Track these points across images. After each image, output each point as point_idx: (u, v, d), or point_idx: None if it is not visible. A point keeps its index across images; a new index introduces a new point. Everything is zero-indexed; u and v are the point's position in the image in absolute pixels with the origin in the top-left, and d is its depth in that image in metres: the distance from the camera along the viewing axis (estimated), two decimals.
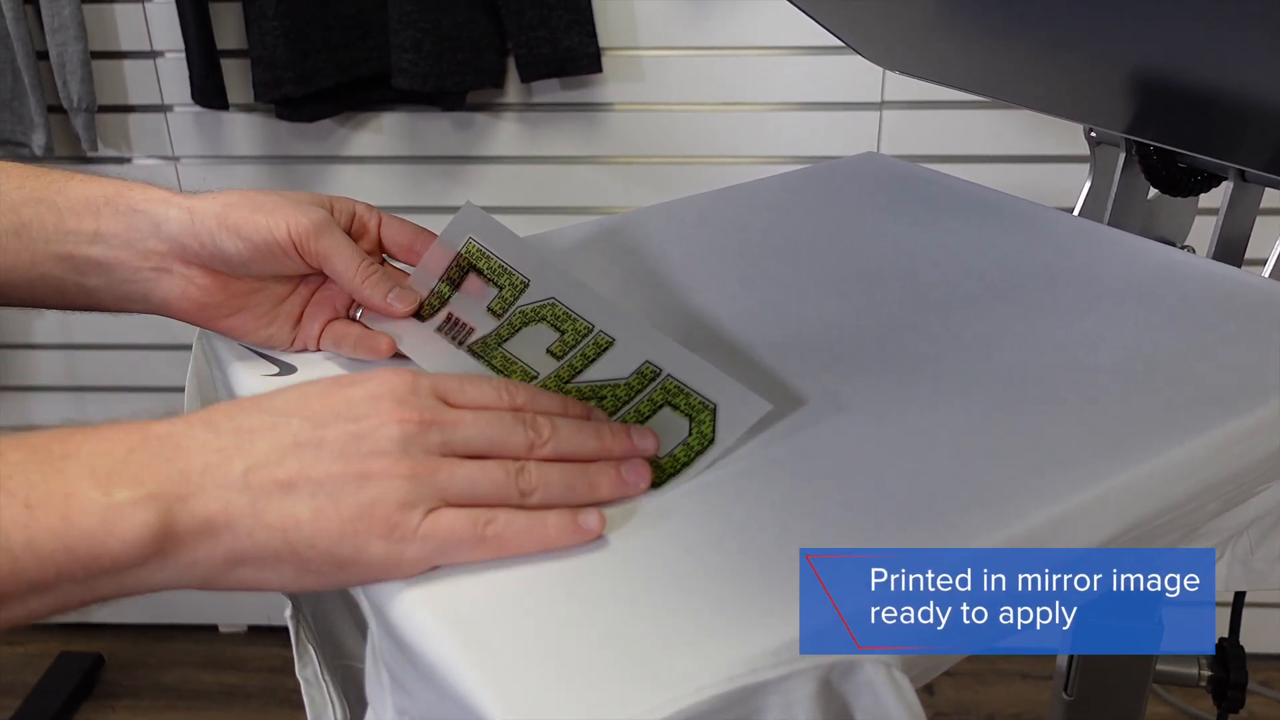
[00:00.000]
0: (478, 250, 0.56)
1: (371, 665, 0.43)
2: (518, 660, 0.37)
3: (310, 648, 0.57)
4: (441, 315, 0.55)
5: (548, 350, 0.53)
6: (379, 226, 0.58)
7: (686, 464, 0.47)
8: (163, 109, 1.46)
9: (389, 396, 0.42)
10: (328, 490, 0.39)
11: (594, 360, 0.52)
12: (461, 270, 0.56)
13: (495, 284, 0.56)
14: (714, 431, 0.48)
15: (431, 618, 0.39)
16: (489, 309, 0.55)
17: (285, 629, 0.57)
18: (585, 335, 0.53)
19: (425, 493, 0.40)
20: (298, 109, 1.37)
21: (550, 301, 0.55)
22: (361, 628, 0.45)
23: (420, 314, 0.56)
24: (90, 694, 1.73)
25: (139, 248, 0.52)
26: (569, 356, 0.53)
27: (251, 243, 0.52)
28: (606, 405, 0.50)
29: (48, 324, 1.61)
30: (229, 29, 1.38)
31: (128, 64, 1.44)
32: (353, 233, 0.56)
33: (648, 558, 0.42)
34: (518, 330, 0.54)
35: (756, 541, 0.43)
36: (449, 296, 0.56)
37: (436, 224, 0.59)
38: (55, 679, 1.71)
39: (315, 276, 0.56)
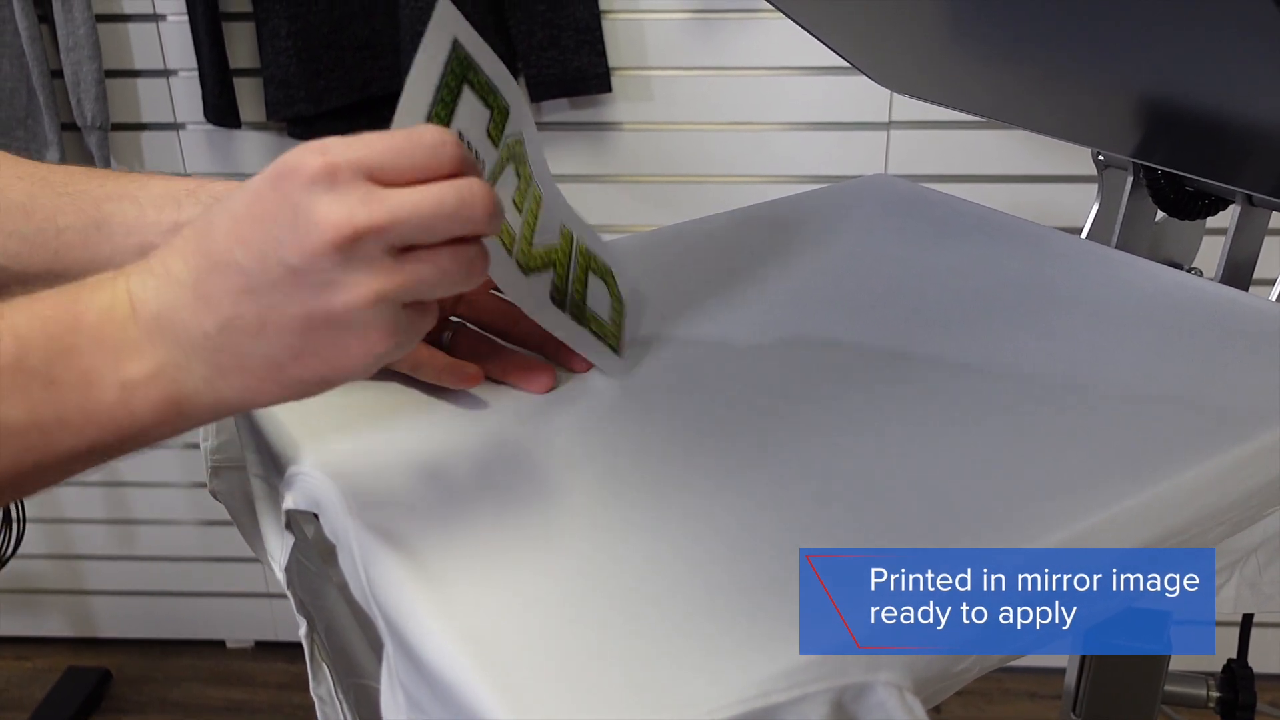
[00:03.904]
0: (466, 58, 0.48)
1: (387, 684, 0.44)
2: (534, 682, 0.37)
3: (324, 666, 0.57)
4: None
5: (512, 199, 0.50)
6: None
7: (619, 328, 0.48)
8: (175, 127, 1.47)
9: (310, 197, 0.38)
10: (297, 332, 0.39)
11: (537, 218, 0.50)
12: (456, 81, 0.48)
13: (486, 104, 0.49)
14: (620, 294, 0.47)
15: (447, 637, 0.40)
16: (488, 133, 0.50)
17: (292, 644, 0.57)
18: (529, 183, 0.51)
19: (373, 302, 0.39)
20: (310, 127, 1.38)
21: (518, 138, 0.51)
22: (376, 646, 0.45)
23: None
24: (97, 709, 1.73)
25: None
26: (524, 213, 0.50)
27: None
28: (559, 272, 0.50)
29: None
30: (242, 48, 1.39)
31: (141, 82, 1.45)
32: None
33: (661, 580, 0.42)
34: (503, 170, 0.50)
35: (768, 564, 0.43)
36: (454, 108, 0.48)
37: None
38: (62, 694, 1.71)
39: None
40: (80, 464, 0.40)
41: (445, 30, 0.46)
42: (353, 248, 0.38)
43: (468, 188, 0.40)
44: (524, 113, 0.50)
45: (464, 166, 0.41)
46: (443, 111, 0.46)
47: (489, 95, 0.48)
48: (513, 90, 0.49)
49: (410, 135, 0.40)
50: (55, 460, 0.39)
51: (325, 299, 0.38)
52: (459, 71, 0.47)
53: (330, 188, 0.38)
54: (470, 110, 0.47)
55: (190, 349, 0.39)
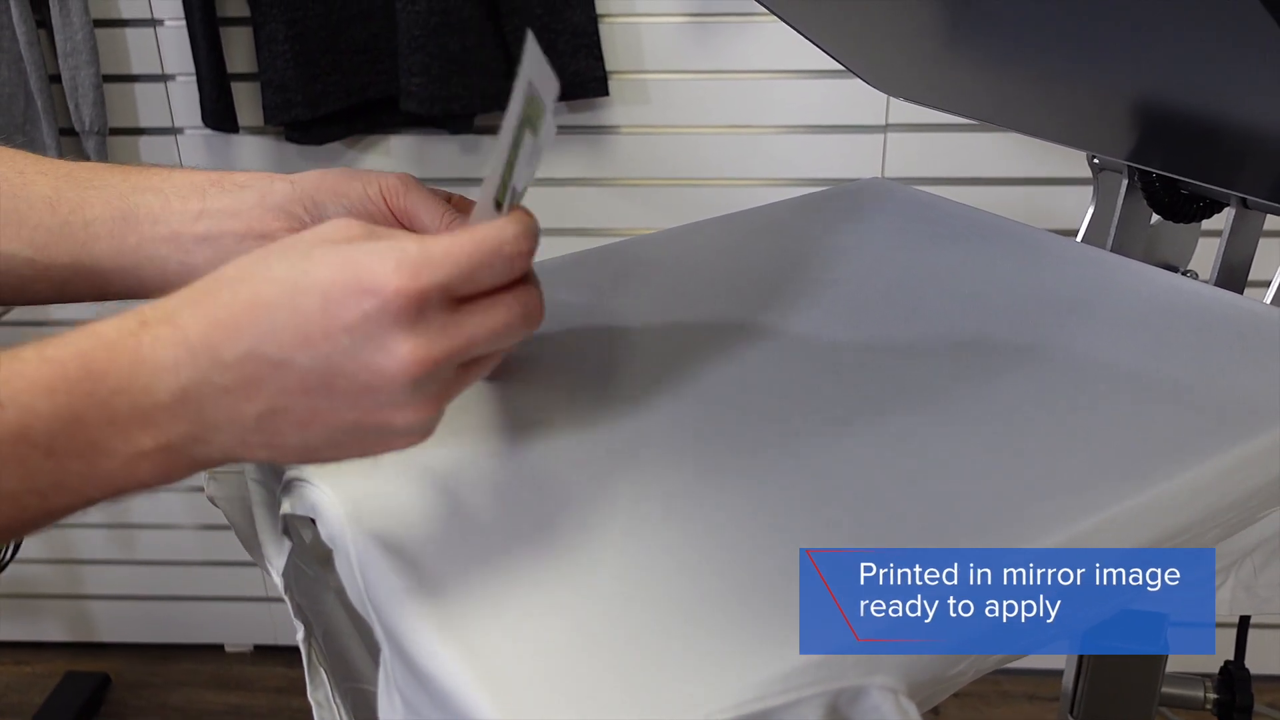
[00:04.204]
0: (534, 98, 0.48)
1: (384, 689, 0.44)
2: (530, 686, 0.37)
3: (322, 670, 0.57)
4: (508, 196, 0.48)
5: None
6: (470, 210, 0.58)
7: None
8: (173, 132, 1.47)
9: (394, 328, 0.38)
10: (343, 430, 0.39)
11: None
12: (520, 128, 0.48)
13: (534, 132, 0.48)
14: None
15: (444, 642, 0.40)
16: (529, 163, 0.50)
17: (291, 648, 0.57)
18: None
19: (435, 418, 0.40)
20: (307, 132, 1.39)
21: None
22: (373, 651, 0.46)
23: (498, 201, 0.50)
24: (96, 714, 1.73)
25: (244, 218, 0.53)
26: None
27: (349, 200, 0.53)
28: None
29: None
30: (239, 53, 1.40)
31: (139, 87, 1.45)
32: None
33: (656, 584, 0.43)
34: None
35: (764, 567, 0.43)
36: (516, 161, 0.48)
37: None
38: (61, 699, 1.71)
39: None
40: (73, 514, 0.39)
41: (524, 76, 0.45)
42: (427, 377, 0.38)
43: (531, 303, 0.42)
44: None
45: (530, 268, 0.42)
46: (508, 174, 0.46)
47: (539, 120, 0.47)
48: (550, 87, 0.46)
49: (492, 248, 0.40)
50: (47, 517, 0.38)
51: (385, 413, 0.39)
52: (524, 121, 0.46)
53: (415, 321, 0.38)
54: (526, 152, 0.47)
55: (218, 426, 0.38)
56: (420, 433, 0.41)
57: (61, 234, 0.52)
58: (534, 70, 0.44)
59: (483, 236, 0.40)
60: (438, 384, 0.39)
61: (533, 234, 0.42)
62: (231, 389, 0.38)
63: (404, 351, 0.38)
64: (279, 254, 0.40)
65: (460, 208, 0.57)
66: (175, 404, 0.37)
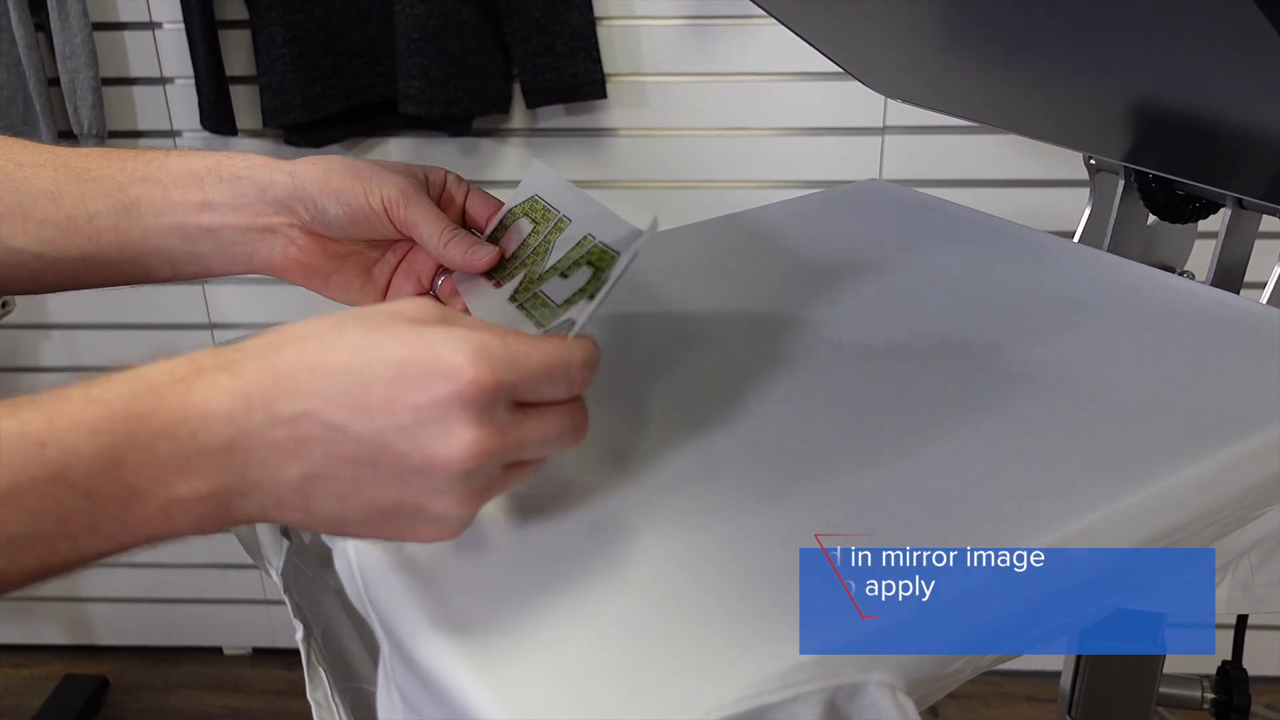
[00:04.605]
0: (537, 203, 0.55)
1: (383, 687, 0.44)
2: (529, 684, 0.38)
3: (321, 670, 0.57)
4: (582, 323, 0.50)
5: (532, 246, 0.54)
6: (465, 197, 0.59)
7: (566, 306, 0.49)
8: (172, 134, 1.47)
9: (460, 415, 0.38)
10: (380, 508, 0.39)
11: (553, 243, 0.54)
12: (514, 217, 0.54)
13: (532, 219, 0.54)
14: (597, 290, 0.48)
15: (442, 640, 0.40)
16: (524, 241, 0.56)
17: (289, 650, 0.57)
18: (560, 228, 0.54)
19: (470, 514, 0.41)
20: (306, 134, 1.39)
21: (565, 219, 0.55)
22: (372, 650, 0.46)
23: (492, 275, 0.56)
24: (95, 717, 1.73)
25: (245, 211, 0.54)
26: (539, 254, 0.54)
27: (350, 207, 0.53)
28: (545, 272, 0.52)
29: (55, 346, 1.62)
30: (238, 56, 1.40)
31: (138, 90, 1.45)
32: (441, 202, 0.58)
33: (657, 584, 0.43)
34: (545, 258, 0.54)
35: (763, 567, 0.43)
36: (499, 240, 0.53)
37: None
38: (60, 702, 1.71)
39: (404, 243, 0.58)
40: (101, 560, 0.38)
41: (529, 188, 0.50)
42: (476, 469, 0.39)
43: (580, 419, 0.43)
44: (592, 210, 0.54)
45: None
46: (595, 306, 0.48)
47: (543, 220, 0.51)
48: (586, 209, 0.52)
49: (563, 366, 0.41)
50: (77, 563, 0.37)
51: (426, 498, 0.39)
52: (518, 213, 0.54)
53: (481, 412, 0.38)
54: (521, 229, 0.52)
55: (259, 483, 0.38)
56: (453, 526, 0.40)
57: (67, 229, 0.52)
58: (646, 244, 0.49)
59: (556, 353, 0.41)
60: (483, 479, 0.40)
61: (595, 365, 0.43)
62: (280, 445, 0.38)
63: (467, 439, 0.38)
64: (353, 322, 0.40)
65: (449, 203, 0.58)
66: (220, 453, 0.37)
